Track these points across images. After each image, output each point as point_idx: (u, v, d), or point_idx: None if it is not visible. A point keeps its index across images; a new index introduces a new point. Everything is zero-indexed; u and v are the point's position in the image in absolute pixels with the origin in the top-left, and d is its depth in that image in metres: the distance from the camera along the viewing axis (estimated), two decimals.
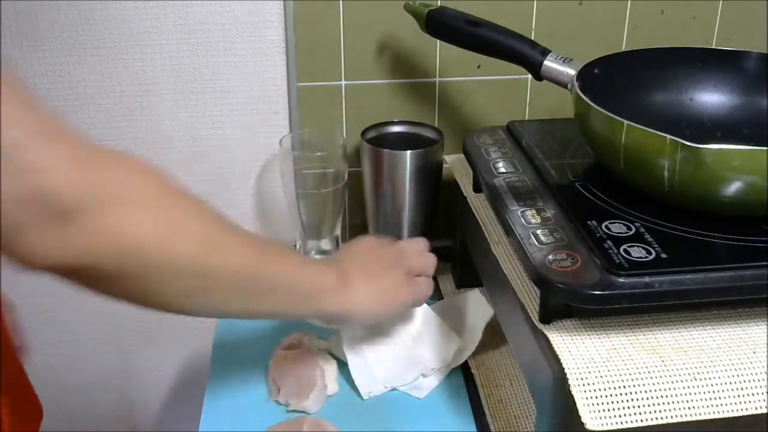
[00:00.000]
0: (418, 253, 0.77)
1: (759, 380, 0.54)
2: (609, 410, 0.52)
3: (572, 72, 0.71)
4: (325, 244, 0.93)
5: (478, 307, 0.81)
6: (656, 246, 0.59)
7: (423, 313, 0.82)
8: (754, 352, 0.55)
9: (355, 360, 0.78)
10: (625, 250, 0.58)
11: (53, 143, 0.48)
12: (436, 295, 0.91)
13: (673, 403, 0.53)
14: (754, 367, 0.54)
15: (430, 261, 0.77)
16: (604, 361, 0.54)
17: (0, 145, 0.45)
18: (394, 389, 0.78)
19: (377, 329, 0.80)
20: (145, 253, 0.52)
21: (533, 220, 0.64)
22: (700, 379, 0.53)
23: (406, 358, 0.78)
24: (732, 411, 0.53)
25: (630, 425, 0.52)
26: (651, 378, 0.53)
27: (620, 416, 0.52)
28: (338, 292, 0.69)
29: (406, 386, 0.78)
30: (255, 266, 0.62)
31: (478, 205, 0.78)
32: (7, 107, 0.46)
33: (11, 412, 0.69)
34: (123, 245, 0.51)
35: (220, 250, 0.58)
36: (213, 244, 0.58)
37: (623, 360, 0.54)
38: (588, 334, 0.57)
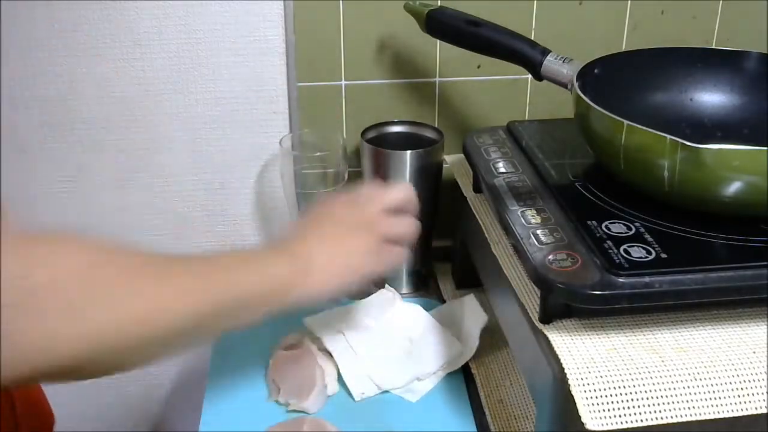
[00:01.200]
0: (396, 218, 0.69)
1: (759, 380, 0.54)
2: (609, 410, 0.52)
3: (572, 72, 0.71)
4: None
5: (473, 312, 0.81)
6: (656, 246, 0.59)
7: (422, 318, 0.82)
8: (754, 352, 0.55)
9: (345, 361, 0.78)
10: (625, 250, 0.58)
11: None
12: (437, 298, 0.91)
13: (673, 403, 0.53)
14: (754, 367, 0.54)
15: (408, 227, 0.69)
16: (604, 361, 0.54)
17: None
18: (387, 391, 0.77)
19: (362, 328, 0.80)
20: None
21: (533, 220, 0.64)
22: (700, 379, 0.53)
23: (402, 361, 0.78)
24: (732, 411, 0.53)
25: (630, 425, 0.52)
26: (651, 378, 0.53)
27: (620, 416, 0.52)
28: (296, 280, 0.62)
29: (400, 389, 0.78)
30: (203, 298, 0.55)
31: (478, 205, 0.78)
32: None
33: (25, 421, 0.69)
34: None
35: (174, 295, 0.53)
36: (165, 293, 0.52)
37: (623, 360, 0.54)
38: (588, 334, 0.57)
